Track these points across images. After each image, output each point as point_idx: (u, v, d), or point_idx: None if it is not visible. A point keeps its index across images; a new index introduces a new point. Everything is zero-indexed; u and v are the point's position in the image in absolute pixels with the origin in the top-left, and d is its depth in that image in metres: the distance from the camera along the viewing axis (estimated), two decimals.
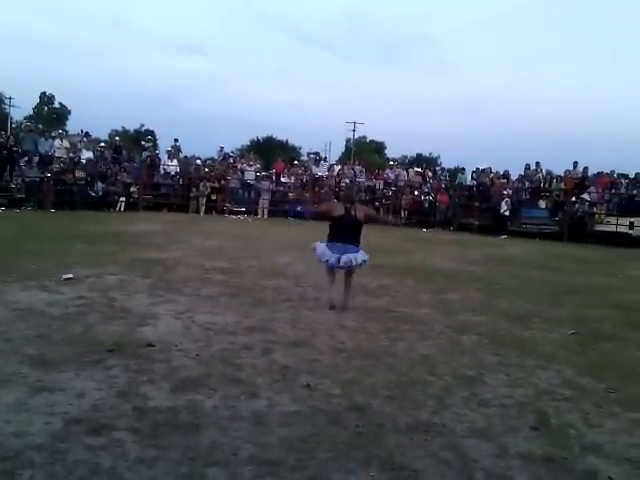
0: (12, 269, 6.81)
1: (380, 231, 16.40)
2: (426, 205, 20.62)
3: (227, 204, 19.86)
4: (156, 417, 3.10)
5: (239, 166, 21.91)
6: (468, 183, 21.24)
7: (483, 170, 21.10)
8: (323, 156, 26.40)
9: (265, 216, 19.68)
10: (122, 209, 18.37)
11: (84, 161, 18.93)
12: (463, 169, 22.81)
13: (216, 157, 22.98)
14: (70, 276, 6.58)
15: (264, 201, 20.03)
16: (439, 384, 3.93)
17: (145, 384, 3.57)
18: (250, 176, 21.06)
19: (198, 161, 21.75)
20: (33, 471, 2.51)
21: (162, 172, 20.89)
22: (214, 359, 4.15)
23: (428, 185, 21.08)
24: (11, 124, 49.48)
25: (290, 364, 4.14)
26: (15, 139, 19.38)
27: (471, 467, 2.80)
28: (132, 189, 19.23)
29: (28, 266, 7.11)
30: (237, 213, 19.60)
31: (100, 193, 18.35)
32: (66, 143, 19.49)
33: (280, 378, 3.85)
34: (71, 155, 18.97)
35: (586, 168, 19.77)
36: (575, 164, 20.02)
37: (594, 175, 19.78)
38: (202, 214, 19.21)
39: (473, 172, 21.34)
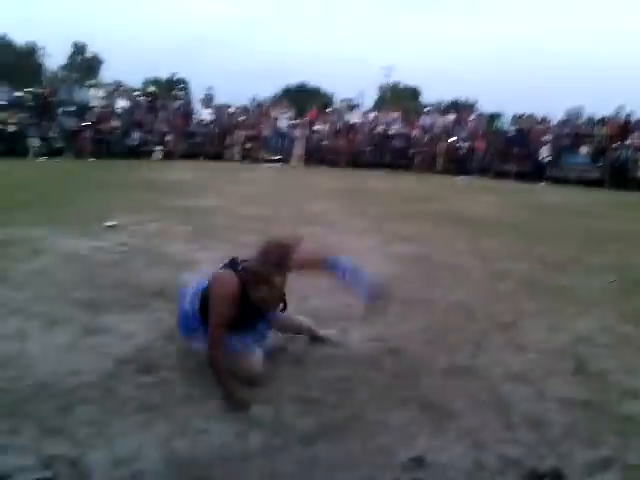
0: (57, 217, 7.02)
1: (416, 180, 16.27)
2: (462, 152, 20.19)
3: (261, 152, 19.85)
4: (200, 358, 3.21)
5: (272, 114, 21.73)
6: (506, 129, 20.64)
7: (522, 115, 20.47)
8: (357, 103, 25.94)
9: (300, 164, 19.64)
10: (158, 158, 18.57)
11: (120, 110, 19.07)
12: (501, 114, 22.12)
13: (249, 105, 22.84)
14: (112, 223, 6.75)
15: (298, 148, 19.96)
16: (476, 329, 3.95)
17: None
18: (283, 124, 20.89)
19: (231, 109, 21.65)
20: (87, 406, 2.65)
21: (196, 121, 20.92)
22: None
23: (465, 131, 20.57)
24: (46, 74, 49.86)
25: (323, 309, 4.20)
26: (51, 89, 19.56)
27: (508, 409, 2.84)
28: (167, 138, 19.35)
29: (72, 214, 7.31)
30: (271, 161, 19.60)
31: (136, 142, 18.54)
32: (101, 92, 19.61)
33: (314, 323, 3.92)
34: (107, 104, 19.12)
35: (630, 113, 18.98)
36: (619, 109, 19.21)
37: (638, 120, 18.99)
38: (237, 162, 19.28)
39: (512, 118, 20.72)
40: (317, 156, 20.16)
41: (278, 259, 2.71)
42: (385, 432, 2.54)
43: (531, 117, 20.47)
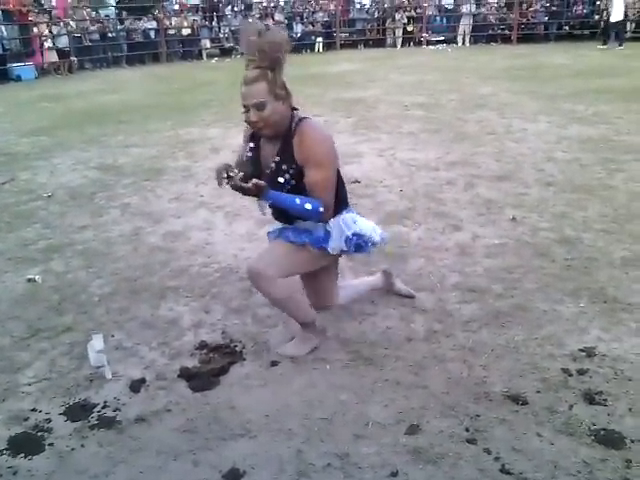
0: (230, 116, 7.45)
1: (600, 52, 14.44)
2: None
3: (424, 34, 18.79)
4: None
5: None
6: None
7: None
8: None
9: (466, 44, 18.29)
10: (320, 50, 18.50)
11: (282, 3, 19.11)
12: None
13: None
14: None
15: (464, 27, 18.49)
16: None
17: None
18: (448, 0, 19.40)
19: None
20: None
21: (357, 7, 20.30)
22: (417, 194, 4.25)
23: None
24: None
25: (494, 198, 4.08)
26: None
27: None
28: (328, 28, 19.10)
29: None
30: (436, 43, 18.51)
31: (299, 34, 18.59)
32: None
33: (484, 212, 3.84)
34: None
35: None
36: None
37: None
38: (399, 47, 18.54)
39: None
40: (485, 33, 18.55)
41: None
42: (553, 322, 2.48)
43: None
